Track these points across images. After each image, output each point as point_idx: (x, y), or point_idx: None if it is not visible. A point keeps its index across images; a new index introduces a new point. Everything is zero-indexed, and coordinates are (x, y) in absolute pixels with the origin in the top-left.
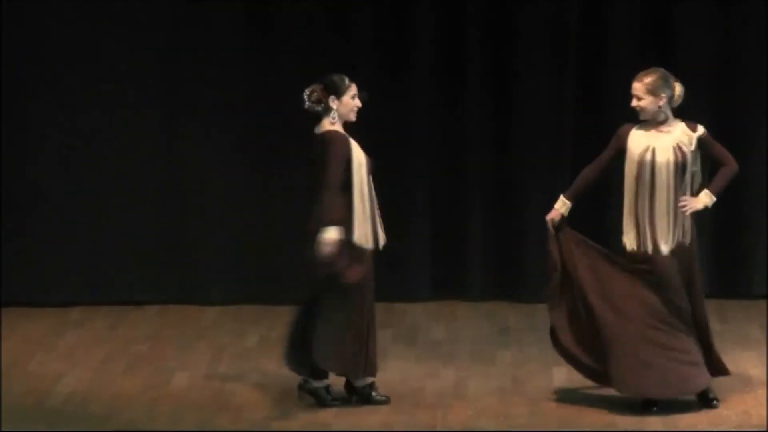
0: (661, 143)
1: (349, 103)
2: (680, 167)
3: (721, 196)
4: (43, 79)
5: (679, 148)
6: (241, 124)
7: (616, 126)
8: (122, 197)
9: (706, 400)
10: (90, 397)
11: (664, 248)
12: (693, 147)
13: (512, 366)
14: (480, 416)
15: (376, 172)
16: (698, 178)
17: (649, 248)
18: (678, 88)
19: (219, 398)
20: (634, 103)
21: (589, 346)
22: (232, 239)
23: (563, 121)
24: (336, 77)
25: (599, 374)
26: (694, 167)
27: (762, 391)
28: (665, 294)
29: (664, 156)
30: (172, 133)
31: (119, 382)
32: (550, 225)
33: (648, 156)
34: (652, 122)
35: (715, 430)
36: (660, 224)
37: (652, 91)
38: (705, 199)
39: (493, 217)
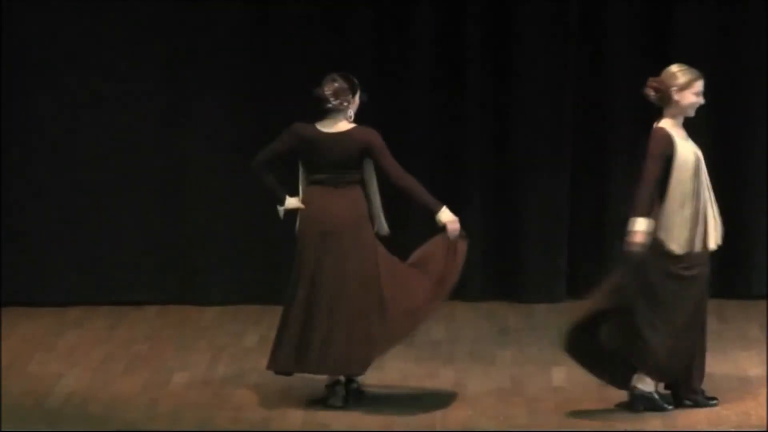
0: (686, 142)
1: None
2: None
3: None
4: (44, 78)
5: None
6: (241, 124)
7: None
8: (122, 197)
9: (697, 401)
10: (89, 397)
11: (699, 247)
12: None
13: (511, 366)
14: (479, 416)
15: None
16: None
17: (698, 246)
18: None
19: (218, 398)
20: (702, 100)
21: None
22: (232, 239)
23: (563, 121)
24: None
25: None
26: None
27: (762, 391)
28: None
29: (698, 154)
30: (172, 133)
31: (119, 382)
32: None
33: (696, 155)
34: (679, 122)
35: (714, 430)
36: (713, 222)
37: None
38: None
39: (493, 217)
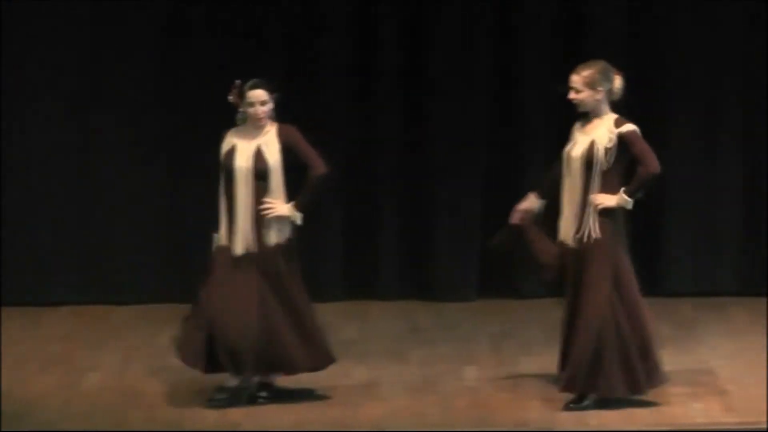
0: (583, 138)
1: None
2: (590, 163)
3: (642, 198)
4: None
5: (594, 143)
6: (154, 126)
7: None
8: (34, 199)
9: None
10: (3, 397)
11: (568, 241)
12: (611, 144)
13: (424, 365)
14: (392, 415)
15: (288, 172)
16: (613, 176)
17: (562, 239)
18: (618, 82)
19: (131, 398)
20: (572, 95)
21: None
22: (144, 240)
23: (476, 123)
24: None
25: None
26: (608, 164)
27: (674, 390)
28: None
29: (579, 150)
30: (84, 131)
31: (33, 382)
32: (519, 218)
33: (568, 149)
34: (592, 115)
35: (630, 429)
36: (568, 216)
37: (590, 84)
38: (617, 198)
39: (405, 216)
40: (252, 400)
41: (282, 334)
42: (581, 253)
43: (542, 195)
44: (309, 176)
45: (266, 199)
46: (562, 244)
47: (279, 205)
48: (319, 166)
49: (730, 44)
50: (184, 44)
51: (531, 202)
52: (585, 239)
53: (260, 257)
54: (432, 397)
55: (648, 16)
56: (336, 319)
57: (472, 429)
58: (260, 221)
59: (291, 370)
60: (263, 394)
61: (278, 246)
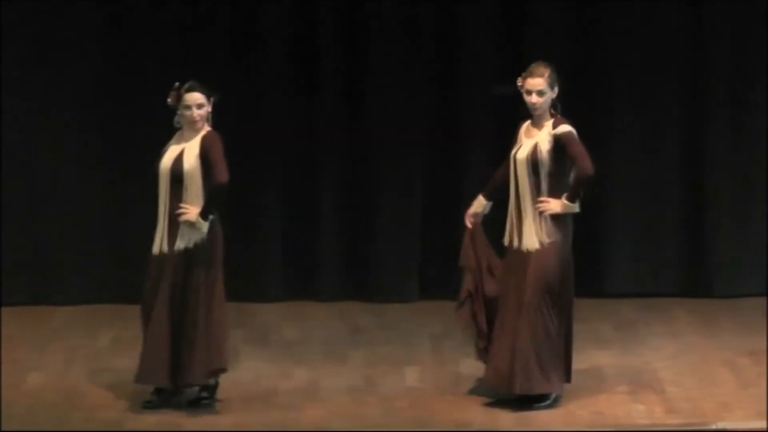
0: (528, 140)
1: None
2: (534, 165)
3: (586, 201)
4: None
5: (538, 146)
6: (92, 126)
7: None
8: None
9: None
10: None
11: (515, 244)
12: (550, 146)
13: (364, 366)
14: (333, 416)
15: (230, 170)
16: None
17: (508, 242)
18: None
19: (72, 398)
20: (534, 99)
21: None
22: (83, 240)
23: (417, 125)
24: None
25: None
26: (550, 167)
27: (617, 389)
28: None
29: (524, 153)
30: (24, 131)
31: None
32: (469, 221)
33: (515, 152)
34: (541, 117)
35: (566, 430)
36: (515, 221)
37: (552, 85)
38: (561, 205)
39: (345, 218)
40: (194, 402)
41: (182, 343)
42: (527, 256)
43: (489, 196)
44: (211, 184)
45: (182, 204)
46: (509, 247)
47: (191, 210)
48: (220, 174)
49: (670, 44)
50: (126, 45)
51: (479, 205)
52: (531, 243)
53: (170, 261)
54: (373, 398)
55: (588, 16)
56: (276, 320)
57: (413, 430)
58: (173, 224)
59: (186, 381)
60: (205, 395)
61: (185, 251)
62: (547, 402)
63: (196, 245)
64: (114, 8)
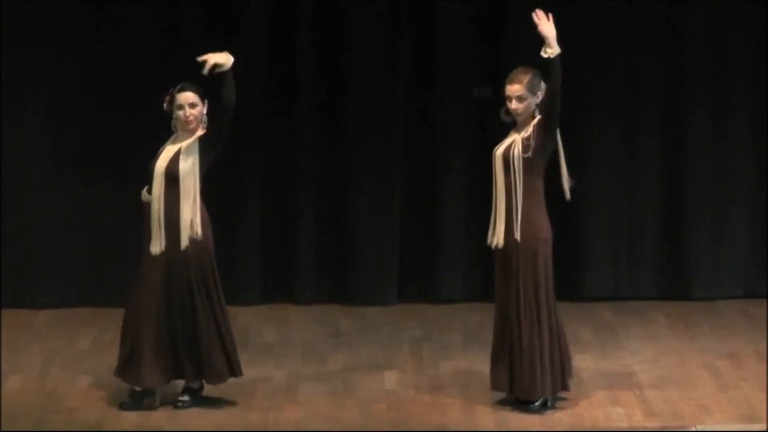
0: (509, 139)
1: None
2: (506, 162)
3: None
4: None
5: (513, 142)
6: (73, 130)
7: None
8: None
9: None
10: None
11: (499, 242)
12: (527, 134)
13: (343, 369)
14: (312, 418)
15: (208, 174)
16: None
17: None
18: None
19: (52, 401)
20: (515, 105)
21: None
22: (62, 243)
23: (395, 130)
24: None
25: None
26: (527, 154)
27: (594, 393)
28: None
29: (500, 150)
30: (3, 135)
31: None
32: None
33: (495, 149)
34: (525, 121)
35: (548, 430)
36: (497, 218)
37: (532, 90)
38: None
39: (324, 220)
40: (174, 404)
41: (186, 344)
42: (511, 255)
43: None
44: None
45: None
46: (496, 249)
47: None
48: None
49: (649, 47)
50: (104, 47)
51: None
52: (513, 241)
53: (166, 261)
54: (351, 401)
55: (567, 17)
56: (255, 323)
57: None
58: (168, 225)
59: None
60: (185, 398)
61: (186, 250)
62: (546, 404)
63: (193, 245)
64: (91, 7)
